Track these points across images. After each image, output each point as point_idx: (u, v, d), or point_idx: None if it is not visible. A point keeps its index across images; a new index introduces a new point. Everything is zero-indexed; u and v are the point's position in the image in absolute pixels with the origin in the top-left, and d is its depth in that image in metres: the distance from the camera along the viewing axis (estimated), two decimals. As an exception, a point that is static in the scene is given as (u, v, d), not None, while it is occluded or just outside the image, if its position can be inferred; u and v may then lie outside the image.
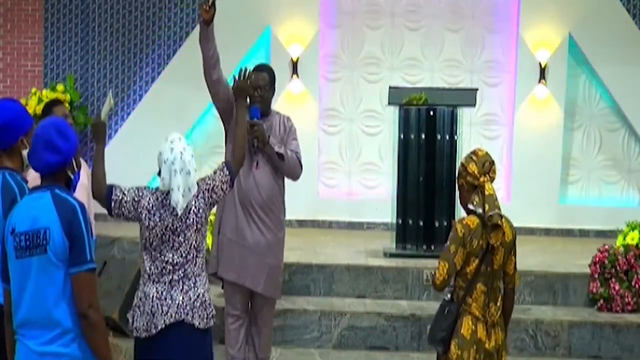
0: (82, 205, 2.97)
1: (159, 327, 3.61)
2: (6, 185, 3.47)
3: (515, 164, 9.87)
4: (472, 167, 3.74)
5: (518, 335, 6.20)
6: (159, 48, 10.08)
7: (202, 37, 4.70)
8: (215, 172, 3.84)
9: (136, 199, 3.68)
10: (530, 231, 9.49)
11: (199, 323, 3.65)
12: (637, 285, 6.50)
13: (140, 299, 3.69)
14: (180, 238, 3.63)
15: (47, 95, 9.35)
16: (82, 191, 3.86)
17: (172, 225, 3.63)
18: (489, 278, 3.75)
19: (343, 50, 10.06)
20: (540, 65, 9.75)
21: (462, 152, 7.18)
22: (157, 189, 3.72)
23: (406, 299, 6.70)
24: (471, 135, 9.55)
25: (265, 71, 5.01)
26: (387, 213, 7.80)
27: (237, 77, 4.27)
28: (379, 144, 9.99)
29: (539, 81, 9.78)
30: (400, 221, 7.33)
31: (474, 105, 7.47)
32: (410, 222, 7.30)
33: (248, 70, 4.31)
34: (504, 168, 9.79)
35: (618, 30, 9.73)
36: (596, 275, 6.58)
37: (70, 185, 3.10)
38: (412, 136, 7.30)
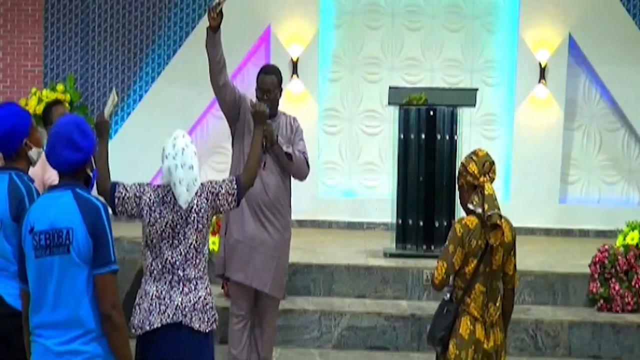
0: (105, 206, 2.96)
1: (155, 326, 3.59)
2: (13, 185, 3.47)
3: (515, 164, 9.87)
4: (472, 167, 3.75)
5: (518, 335, 6.20)
6: (159, 48, 10.08)
7: (209, 44, 4.71)
8: (224, 181, 3.80)
9: (137, 194, 3.68)
10: (530, 231, 9.50)
11: (199, 326, 3.63)
12: (637, 285, 6.50)
13: (141, 297, 3.69)
14: (179, 236, 3.62)
15: (47, 95, 9.34)
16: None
17: (172, 222, 3.62)
18: (488, 278, 3.75)
19: (343, 50, 10.06)
20: (540, 65, 9.75)
21: (462, 152, 7.18)
22: (159, 185, 3.73)
23: (406, 299, 6.70)
24: (471, 135, 9.56)
25: (273, 73, 5.00)
26: (387, 213, 7.80)
27: (252, 104, 4.26)
28: (379, 144, 9.99)
29: (539, 81, 9.79)
30: (400, 221, 7.33)
31: (474, 105, 7.47)
32: (410, 222, 7.30)
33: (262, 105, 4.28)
34: (504, 168, 9.79)
35: (618, 30, 9.73)
36: (596, 275, 6.58)
37: (89, 183, 3.09)
38: (412, 136, 7.30)
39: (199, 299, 3.64)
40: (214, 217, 4.97)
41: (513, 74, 9.93)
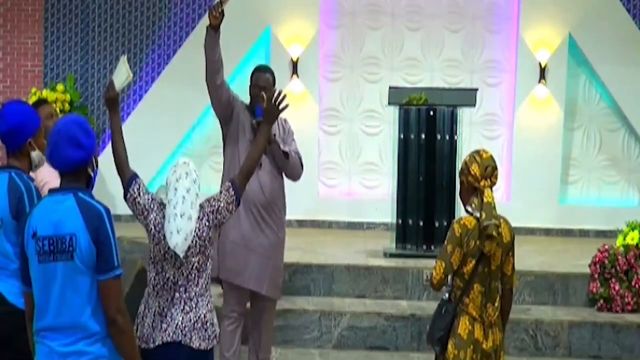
0: (107, 210, 2.94)
1: (157, 343, 3.60)
2: (13, 184, 3.48)
3: (515, 164, 9.87)
4: (475, 169, 3.74)
5: (518, 335, 6.20)
6: (159, 48, 10.08)
7: (209, 42, 4.70)
8: (220, 193, 3.75)
9: (146, 207, 3.64)
10: (530, 231, 9.50)
11: (199, 345, 3.61)
12: (637, 285, 6.50)
13: (145, 309, 3.69)
14: (182, 258, 3.60)
15: (47, 95, 9.35)
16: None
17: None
18: (486, 278, 3.75)
19: (343, 50, 10.06)
20: (540, 65, 9.75)
21: (462, 152, 7.18)
22: (164, 207, 3.65)
23: (406, 299, 6.70)
24: (471, 135, 9.56)
25: (268, 72, 5.02)
26: (387, 213, 7.80)
27: (266, 99, 4.05)
28: (379, 144, 9.99)
29: (539, 81, 9.79)
30: (400, 221, 7.32)
31: (474, 105, 7.47)
32: (410, 222, 7.30)
33: (283, 94, 4.10)
34: (504, 168, 9.78)
35: (618, 30, 9.73)
36: (596, 275, 6.58)
37: (90, 184, 3.08)
38: (412, 136, 7.30)
39: (198, 318, 3.62)
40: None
41: (513, 74, 9.93)
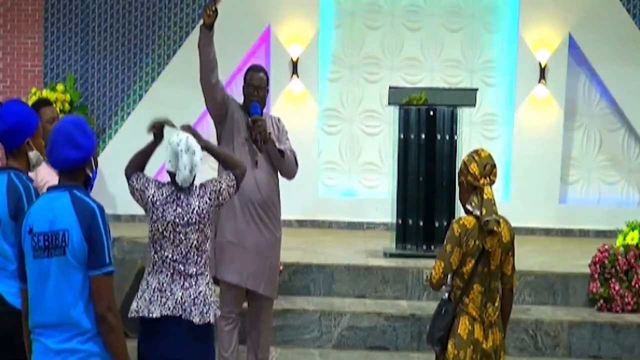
0: (101, 208, 2.97)
1: (154, 315, 3.65)
2: (12, 185, 3.49)
3: (515, 164, 9.87)
4: (474, 168, 3.75)
5: (518, 335, 6.20)
6: (159, 48, 10.08)
7: (203, 41, 4.70)
8: (221, 176, 3.90)
9: (142, 188, 3.79)
10: (530, 231, 9.50)
11: (200, 319, 3.68)
12: (637, 285, 6.50)
13: (143, 288, 3.76)
14: (180, 235, 3.68)
15: (47, 95, 9.35)
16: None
17: (174, 222, 3.69)
18: (486, 278, 3.75)
19: (343, 50, 10.06)
20: (540, 65, 9.75)
21: (462, 152, 7.18)
22: (163, 184, 3.79)
23: (406, 299, 6.70)
24: (471, 135, 9.56)
25: (262, 72, 5.04)
26: (387, 213, 7.80)
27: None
28: (379, 144, 9.99)
29: (539, 81, 9.79)
30: (400, 221, 7.32)
31: (474, 105, 7.47)
32: (410, 222, 7.30)
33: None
34: (504, 168, 9.79)
35: (618, 30, 9.73)
36: (596, 275, 6.58)
37: (88, 184, 3.10)
38: (412, 136, 7.30)
39: (199, 293, 3.70)
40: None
41: (513, 74, 9.93)
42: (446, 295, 3.82)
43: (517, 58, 9.86)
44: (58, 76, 10.06)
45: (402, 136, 7.32)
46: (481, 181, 3.74)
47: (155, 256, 3.73)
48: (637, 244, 6.65)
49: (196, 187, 3.79)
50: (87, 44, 10.11)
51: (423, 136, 7.29)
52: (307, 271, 6.78)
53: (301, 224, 9.65)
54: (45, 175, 4.10)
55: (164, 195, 3.72)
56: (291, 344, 6.25)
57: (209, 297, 3.73)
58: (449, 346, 3.74)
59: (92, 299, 2.91)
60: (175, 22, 10.09)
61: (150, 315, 3.66)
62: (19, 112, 3.60)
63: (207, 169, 9.58)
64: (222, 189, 3.81)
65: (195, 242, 3.70)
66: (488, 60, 10.03)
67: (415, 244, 7.29)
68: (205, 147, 3.93)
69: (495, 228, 3.66)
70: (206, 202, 3.74)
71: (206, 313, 3.71)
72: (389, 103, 7.41)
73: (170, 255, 3.69)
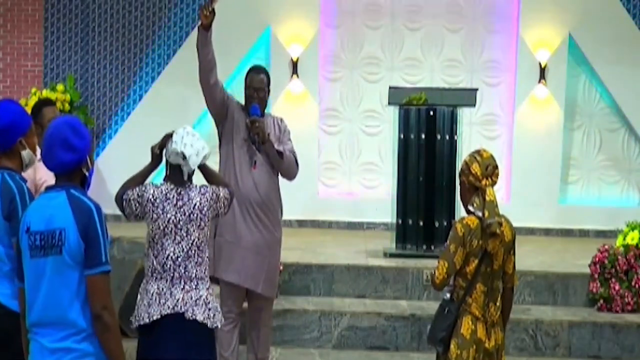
0: (98, 207, 2.97)
1: (154, 317, 3.62)
2: (5, 185, 3.47)
3: (515, 164, 9.88)
4: (475, 168, 3.74)
5: (518, 335, 6.20)
6: (159, 48, 10.08)
7: (201, 42, 4.70)
8: (219, 187, 3.91)
9: (139, 193, 3.76)
10: (530, 231, 9.50)
11: (204, 319, 3.66)
12: (637, 285, 6.50)
13: (142, 295, 3.73)
14: (182, 232, 3.68)
15: (47, 95, 9.35)
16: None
17: (175, 219, 3.69)
18: (489, 278, 3.75)
19: (343, 50, 10.06)
20: (540, 65, 9.76)
21: (462, 152, 7.18)
22: (162, 182, 3.79)
23: (406, 299, 6.69)
24: (471, 135, 9.56)
25: (263, 73, 5.01)
26: (387, 213, 7.80)
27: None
28: (379, 144, 9.98)
29: (539, 81, 9.79)
30: (400, 221, 7.32)
31: (474, 105, 7.47)
32: (410, 222, 7.30)
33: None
34: (504, 168, 9.78)
35: (618, 30, 9.73)
36: (596, 275, 6.58)
37: (85, 183, 3.10)
38: (412, 136, 7.29)
39: (200, 297, 3.68)
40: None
41: (513, 74, 9.93)
42: (448, 295, 3.82)
43: (517, 58, 9.86)
44: (58, 76, 10.07)
45: (402, 136, 7.32)
46: (483, 182, 3.73)
47: (155, 261, 3.70)
48: (637, 244, 6.65)
49: (196, 185, 3.80)
50: (87, 44, 10.11)
51: (423, 136, 7.28)
52: (307, 271, 6.78)
53: (301, 224, 9.65)
54: (44, 174, 4.09)
55: (164, 192, 3.73)
56: (291, 344, 6.25)
57: (211, 302, 3.71)
58: (452, 346, 3.73)
59: (88, 298, 2.91)
60: (175, 22, 10.09)
61: (151, 319, 3.63)
62: (11, 111, 3.58)
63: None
64: (220, 196, 3.83)
65: (196, 239, 3.69)
66: (488, 60, 10.03)
67: (415, 244, 7.28)
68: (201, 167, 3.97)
69: (497, 231, 3.65)
70: (207, 200, 3.74)
71: (213, 317, 3.69)
72: (389, 103, 7.41)
73: (171, 255, 3.67)
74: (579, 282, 6.70)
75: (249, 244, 4.86)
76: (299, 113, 9.61)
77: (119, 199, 3.83)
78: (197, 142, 3.79)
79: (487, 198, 3.70)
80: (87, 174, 3.10)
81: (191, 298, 3.66)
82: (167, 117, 9.42)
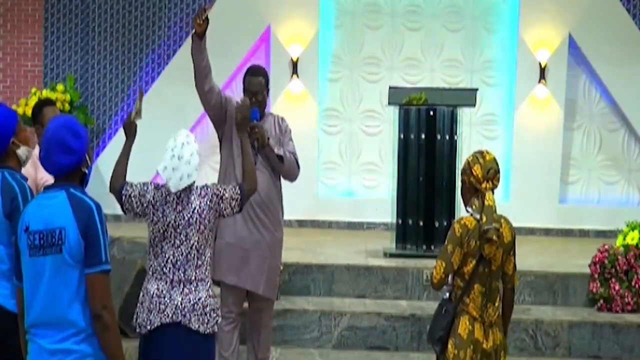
0: (98, 206, 2.97)
1: (155, 325, 3.63)
2: (6, 184, 3.47)
3: (515, 164, 9.88)
4: (477, 170, 3.74)
5: (518, 335, 6.20)
6: (159, 48, 10.08)
7: (195, 50, 4.70)
8: (227, 185, 3.88)
9: (141, 193, 3.74)
10: (530, 231, 9.50)
11: (199, 327, 3.65)
12: (637, 285, 6.50)
13: (143, 295, 3.73)
14: (181, 236, 3.66)
15: (47, 95, 9.36)
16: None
17: (174, 222, 3.67)
18: (487, 278, 3.75)
19: (343, 50, 10.07)
20: (540, 65, 9.76)
21: (462, 152, 7.18)
22: (162, 185, 3.77)
23: (406, 299, 6.70)
24: (471, 135, 9.56)
25: (260, 75, 4.97)
26: (387, 213, 7.80)
27: (236, 113, 4.26)
28: (379, 144, 9.99)
29: (539, 81, 9.79)
30: (400, 221, 7.32)
31: (474, 105, 7.47)
32: (410, 222, 7.30)
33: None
34: (504, 168, 9.77)
35: (618, 30, 9.73)
36: (596, 275, 6.58)
37: (85, 181, 3.10)
38: (412, 136, 7.29)
39: (198, 300, 3.66)
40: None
41: (513, 74, 9.93)
42: (447, 295, 3.82)
43: (517, 58, 9.87)
44: (58, 76, 10.07)
45: (402, 136, 7.32)
46: (483, 185, 3.73)
47: (155, 262, 3.69)
48: (637, 244, 6.65)
49: (197, 187, 3.77)
50: (87, 44, 10.11)
51: (423, 136, 7.28)
52: (307, 271, 6.78)
53: (301, 224, 9.65)
54: (45, 173, 4.09)
55: (163, 195, 3.70)
56: (291, 344, 6.25)
57: (209, 306, 3.69)
58: (449, 346, 3.73)
59: (88, 297, 2.90)
60: (175, 22, 10.09)
61: (152, 326, 3.63)
62: None
63: (207, 169, 9.65)
64: (224, 196, 3.76)
65: (195, 243, 3.67)
66: (488, 60, 10.04)
67: (415, 244, 7.28)
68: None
69: (494, 237, 3.65)
70: (206, 203, 3.70)
71: (207, 322, 3.67)
72: (389, 103, 7.41)
73: (171, 258, 3.65)
74: (579, 282, 6.70)
75: (250, 246, 4.86)
76: (299, 113, 9.60)
77: (117, 191, 3.80)
78: (184, 167, 3.65)
79: (486, 203, 3.69)
80: (86, 171, 3.09)
81: (189, 302, 3.64)
82: (167, 117, 9.44)
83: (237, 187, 3.85)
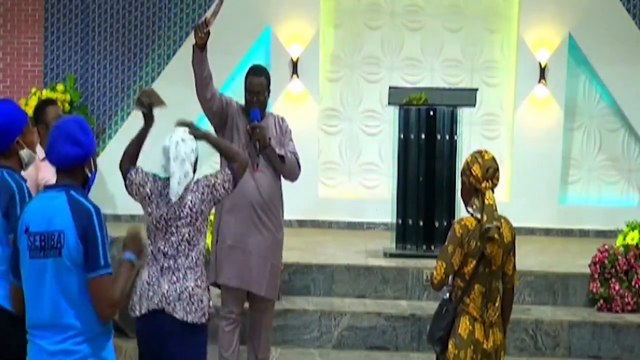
0: (97, 209, 2.96)
1: (143, 311, 3.69)
2: (4, 183, 3.47)
3: (515, 164, 9.88)
4: (476, 170, 3.74)
5: (518, 335, 6.20)
6: (159, 48, 10.08)
7: (196, 60, 4.68)
8: (217, 172, 3.90)
9: (142, 183, 3.80)
10: (530, 231, 9.50)
11: (184, 316, 3.65)
12: (637, 285, 6.50)
13: (137, 280, 3.77)
14: (172, 229, 3.71)
15: (47, 95, 9.36)
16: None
17: (166, 215, 3.71)
18: (487, 279, 3.75)
19: (343, 50, 10.06)
20: (540, 65, 9.75)
21: (462, 152, 7.18)
22: (160, 178, 3.82)
23: (406, 299, 6.70)
24: (471, 135, 9.56)
25: (262, 76, 4.96)
26: (387, 213, 7.80)
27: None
28: (379, 144, 9.99)
29: (539, 81, 9.79)
30: (400, 221, 7.32)
31: (474, 105, 7.46)
32: (410, 222, 7.30)
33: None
34: (504, 168, 9.77)
35: (618, 30, 9.73)
36: (596, 275, 6.58)
37: (86, 184, 3.09)
38: (412, 136, 7.29)
39: (185, 289, 3.68)
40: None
41: (513, 74, 9.93)
42: (447, 295, 3.82)
43: (517, 58, 9.87)
44: (58, 76, 10.06)
45: (402, 136, 7.32)
46: (483, 184, 3.73)
47: (150, 248, 3.76)
48: (637, 244, 6.65)
49: (191, 182, 3.79)
50: (87, 44, 10.11)
51: (423, 136, 7.28)
52: (307, 271, 6.78)
53: (301, 224, 9.65)
54: (47, 174, 4.09)
55: (159, 188, 3.75)
56: (291, 344, 6.25)
57: (196, 295, 3.69)
58: (450, 346, 3.73)
59: (92, 301, 2.91)
60: (175, 22, 10.09)
61: (140, 312, 3.70)
62: (6, 112, 3.56)
63: (207, 169, 9.65)
64: (216, 184, 3.79)
65: (186, 235, 3.71)
66: (488, 60, 10.04)
67: (415, 244, 7.29)
68: (205, 138, 3.97)
69: (495, 236, 3.65)
70: (198, 197, 3.73)
71: (194, 312, 3.67)
72: (389, 103, 7.41)
73: (162, 247, 3.71)
74: (579, 282, 6.70)
75: (251, 247, 4.86)
76: (299, 113, 9.60)
77: (124, 171, 3.86)
78: (179, 169, 3.69)
79: (487, 202, 3.69)
80: (89, 175, 3.08)
81: (175, 290, 3.67)
82: (167, 117, 9.41)
83: (227, 168, 3.89)
